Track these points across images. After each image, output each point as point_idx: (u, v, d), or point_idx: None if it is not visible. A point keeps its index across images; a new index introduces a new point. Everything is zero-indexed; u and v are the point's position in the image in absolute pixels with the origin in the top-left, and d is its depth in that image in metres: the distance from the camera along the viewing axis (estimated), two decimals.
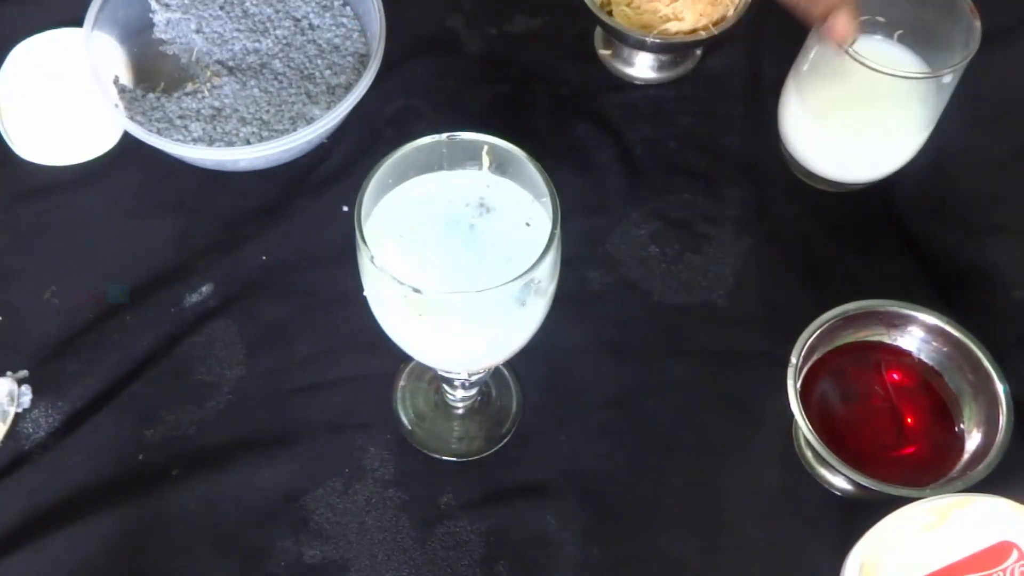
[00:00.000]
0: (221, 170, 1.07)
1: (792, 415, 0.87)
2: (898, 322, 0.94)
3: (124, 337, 0.99)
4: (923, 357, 0.94)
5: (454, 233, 0.76)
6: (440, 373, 0.91)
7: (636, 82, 1.16)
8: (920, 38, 1.01)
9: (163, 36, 1.14)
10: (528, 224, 0.76)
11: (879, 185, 1.05)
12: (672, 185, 1.09)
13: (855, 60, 0.93)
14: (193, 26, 1.12)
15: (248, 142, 1.04)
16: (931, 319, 0.92)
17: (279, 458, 0.94)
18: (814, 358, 0.92)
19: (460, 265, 0.75)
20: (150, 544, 0.90)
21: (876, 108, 0.98)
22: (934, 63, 1.00)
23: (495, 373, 0.98)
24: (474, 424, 0.98)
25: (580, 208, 1.06)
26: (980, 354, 0.90)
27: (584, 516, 0.92)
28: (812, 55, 0.99)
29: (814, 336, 0.91)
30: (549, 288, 0.75)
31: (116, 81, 1.08)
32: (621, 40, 1.12)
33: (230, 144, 1.04)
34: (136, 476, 0.93)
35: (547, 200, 0.74)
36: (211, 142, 1.05)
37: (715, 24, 1.09)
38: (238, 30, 1.12)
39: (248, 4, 1.14)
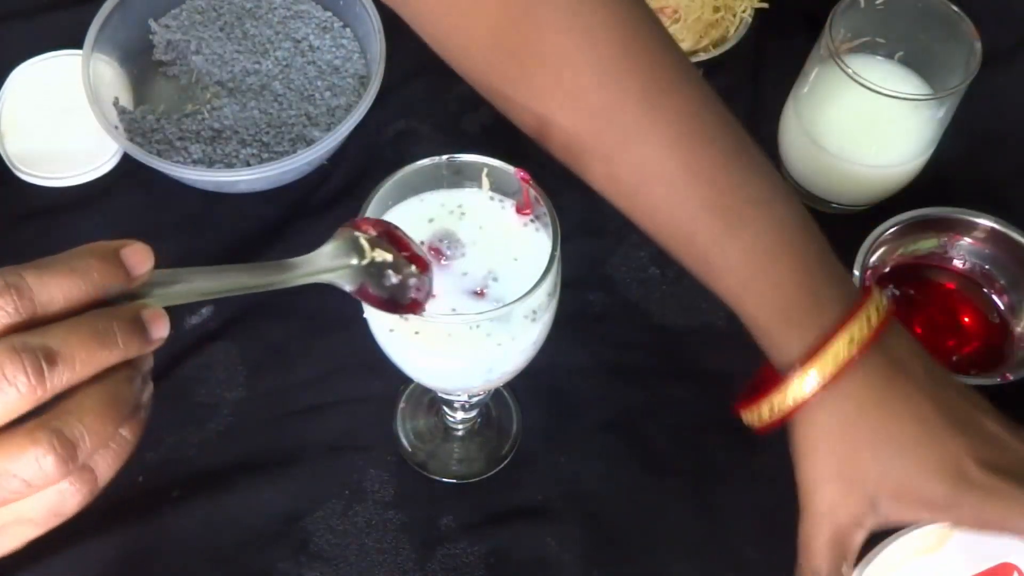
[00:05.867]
0: (221, 192, 1.07)
1: None
2: (950, 228, 0.98)
3: None
4: (976, 259, 0.99)
5: (455, 252, 0.76)
6: (440, 395, 0.91)
7: None
8: (921, 59, 1.01)
9: (163, 58, 1.14)
10: (534, 220, 0.77)
11: (879, 206, 1.05)
12: None
13: (855, 81, 0.93)
14: (193, 48, 1.13)
15: (248, 164, 1.05)
16: (983, 221, 0.97)
17: (279, 480, 0.94)
18: (871, 269, 0.96)
19: (461, 285, 0.75)
20: (151, 566, 0.90)
21: (876, 129, 0.98)
22: (935, 84, 1.00)
23: (495, 395, 0.98)
24: (474, 446, 0.98)
25: (580, 230, 1.06)
26: None
27: (584, 538, 0.92)
28: (812, 77, 0.99)
29: (871, 250, 0.95)
30: (549, 309, 0.75)
31: (116, 103, 1.08)
32: None
33: (230, 166, 1.05)
34: (136, 498, 0.92)
35: (547, 222, 0.74)
36: (211, 164, 1.05)
37: (715, 46, 1.09)
38: (238, 51, 1.12)
39: (248, 25, 1.14)
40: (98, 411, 0.54)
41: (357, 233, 0.68)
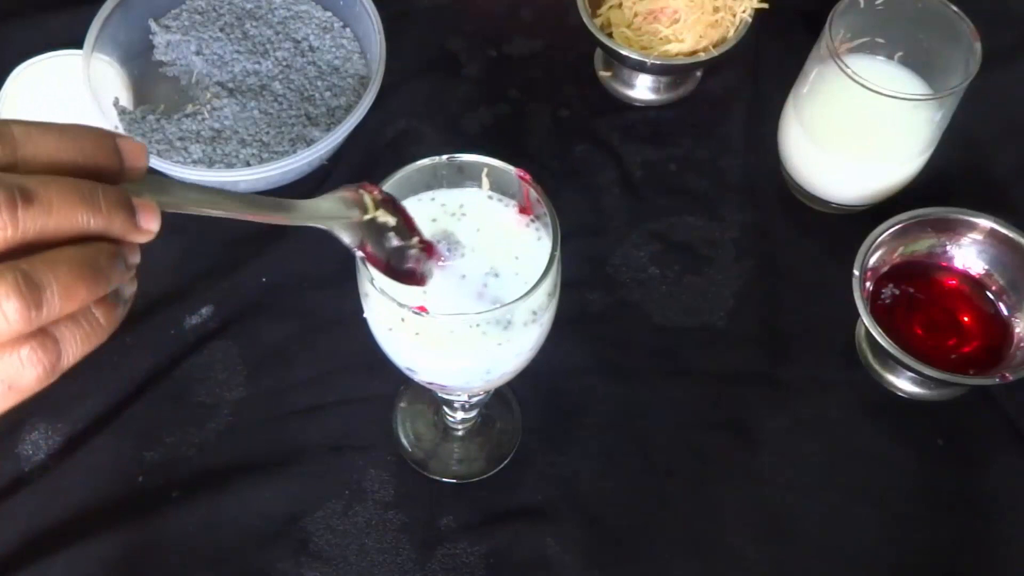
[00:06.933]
0: None
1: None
2: (950, 228, 0.98)
3: (124, 359, 0.98)
4: (976, 259, 0.99)
5: (455, 252, 0.76)
6: (440, 395, 0.91)
7: (636, 104, 1.16)
8: (920, 60, 1.01)
9: (163, 58, 1.14)
10: (534, 220, 0.76)
11: (879, 206, 1.05)
12: (672, 207, 1.09)
13: (855, 81, 0.93)
14: (193, 48, 1.13)
15: (248, 164, 1.05)
16: (983, 221, 0.97)
17: (279, 480, 0.94)
18: (871, 269, 0.97)
19: (461, 285, 0.75)
20: (150, 566, 0.90)
21: (876, 130, 0.98)
22: (935, 84, 1.00)
23: (495, 395, 0.98)
24: (474, 446, 0.98)
25: (580, 230, 1.06)
26: None
27: (584, 538, 0.92)
28: (812, 77, 0.99)
29: (871, 250, 0.96)
30: (549, 309, 0.75)
31: (116, 103, 1.08)
32: (621, 62, 1.12)
33: (230, 166, 1.04)
34: (136, 498, 0.93)
35: (547, 222, 0.74)
36: (211, 164, 1.05)
37: (715, 46, 1.09)
38: (238, 52, 1.12)
39: (248, 26, 1.14)
40: (71, 268, 0.50)
41: (362, 191, 0.67)
